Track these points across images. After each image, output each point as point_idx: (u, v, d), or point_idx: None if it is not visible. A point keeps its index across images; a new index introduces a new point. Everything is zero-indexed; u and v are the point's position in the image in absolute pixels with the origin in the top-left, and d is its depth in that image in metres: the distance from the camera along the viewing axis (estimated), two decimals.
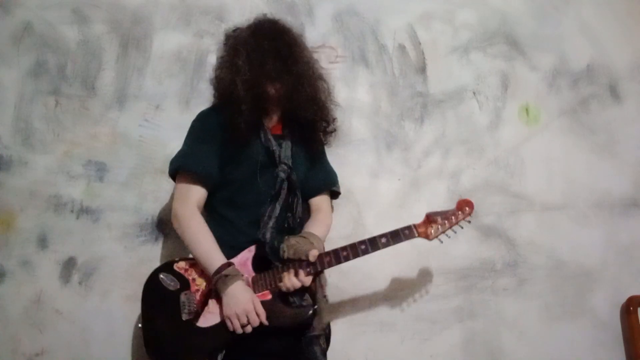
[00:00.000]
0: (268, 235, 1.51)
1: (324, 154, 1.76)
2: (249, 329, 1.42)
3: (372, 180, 2.01)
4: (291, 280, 1.47)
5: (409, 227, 1.55)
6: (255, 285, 1.50)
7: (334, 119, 1.66)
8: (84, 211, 1.82)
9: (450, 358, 1.96)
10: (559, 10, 2.24)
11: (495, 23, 2.18)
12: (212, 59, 1.93)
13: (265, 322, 1.44)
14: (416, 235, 1.55)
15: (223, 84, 1.57)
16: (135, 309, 1.68)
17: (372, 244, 1.52)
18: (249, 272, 1.52)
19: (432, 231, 1.56)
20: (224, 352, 1.45)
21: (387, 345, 1.93)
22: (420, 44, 2.10)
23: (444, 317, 1.97)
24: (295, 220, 1.58)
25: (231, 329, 1.43)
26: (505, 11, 2.19)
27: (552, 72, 2.20)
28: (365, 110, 2.03)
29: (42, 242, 1.79)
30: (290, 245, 1.50)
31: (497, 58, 2.16)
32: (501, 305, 2.03)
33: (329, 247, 1.54)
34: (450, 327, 1.97)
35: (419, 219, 1.58)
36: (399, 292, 1.95)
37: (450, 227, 1.58)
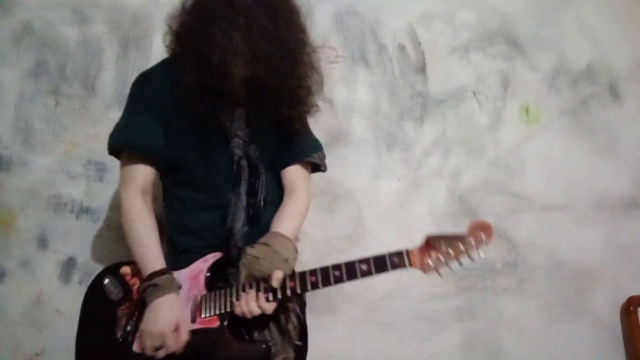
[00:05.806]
0: (238, 238, 1.25)
1: (302, 121, 1.39)
2: (160, 354, 1.16)
3: (372, 180, 2.01)
4: (248, 305, 1.15)
5: (398, 254, 1.17)
6: (204, 307, 1.21)
7: (305, 102, 1.31)
8: (84, 211, 1.82)
9: (450, 358, 1.96)
10: (559, 10, 2.24)
11: (495, 23, 2.18)
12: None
13: (178, 348, 1.16)
14: (407, 264, 1.16)
15: (193, 34, 1.23)
16: None
17: (350, 272, 1.16)
18: (199, 289, 1.24)
19: (430, 261, 1.16)
20: None
21: (387, 345, 1.93)
22: (420, 44, 2.10)
23: (444, 317, 1.97)
24: (258, 207, 1.29)
25: (138, 350, 1.18)
26: (505, 11, 2.19)
27: (552, 72, 2.20)
28: (365, 110, 2.03)
29: (42, 242, 1.79)
30: (246, 265, 1.21)
31: (497, 58, 2.16)
32: (501, 305, 2.03)
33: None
34: (450, 327, 1.97)
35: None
36: (399, 292, 1.95)
37: (455, 257, 1.16)
